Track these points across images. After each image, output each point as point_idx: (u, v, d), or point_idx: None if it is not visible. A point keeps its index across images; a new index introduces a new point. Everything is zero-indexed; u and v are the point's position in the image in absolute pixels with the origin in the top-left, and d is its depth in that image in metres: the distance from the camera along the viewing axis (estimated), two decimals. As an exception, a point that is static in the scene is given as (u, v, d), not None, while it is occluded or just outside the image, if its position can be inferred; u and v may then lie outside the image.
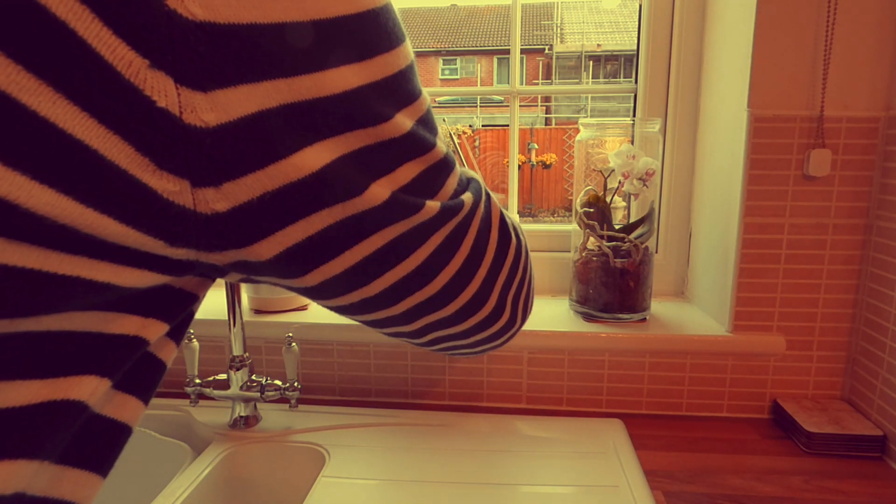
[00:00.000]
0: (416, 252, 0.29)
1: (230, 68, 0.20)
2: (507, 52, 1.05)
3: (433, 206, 0.29)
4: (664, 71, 0.96)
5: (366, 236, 0.26)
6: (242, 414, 0.80)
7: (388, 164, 0.26)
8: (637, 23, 0.98)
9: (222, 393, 0.79)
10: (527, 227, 1.03)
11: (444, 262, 0.31)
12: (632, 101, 1.01)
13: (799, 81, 0.76)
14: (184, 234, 0.21)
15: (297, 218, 0.24)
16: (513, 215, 0.39)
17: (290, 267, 0.26)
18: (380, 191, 0.26)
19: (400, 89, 0.26)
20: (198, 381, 0.80)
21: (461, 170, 0.34)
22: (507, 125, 1.06)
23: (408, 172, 0.27)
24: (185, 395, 0.81)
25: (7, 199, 0.17)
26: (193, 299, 0.26)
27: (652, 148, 0.88)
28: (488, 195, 0.35)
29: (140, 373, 0.24)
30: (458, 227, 0.31)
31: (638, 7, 0.97)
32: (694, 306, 0.96)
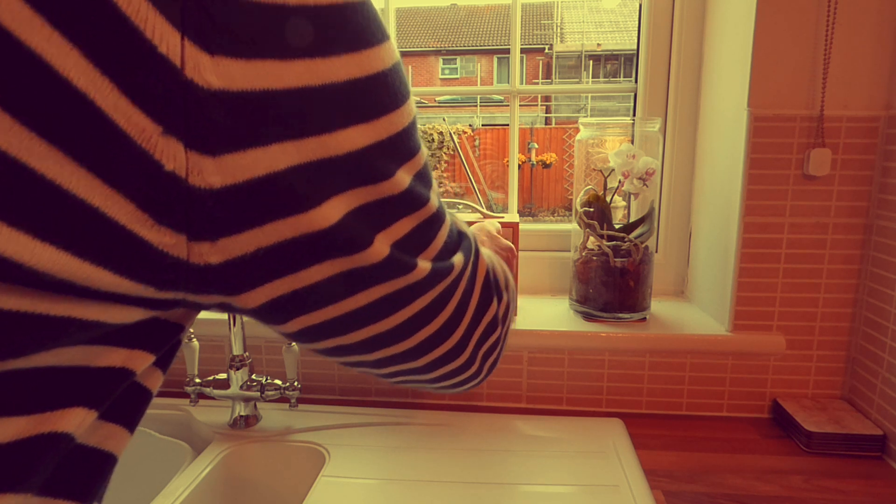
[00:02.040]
0: (399, 312, 0.30)
1: (241, 133, 0.20)
2: (507, 51, 1.05)
3: (424, 267, 0.29)
4: (664, 70, 0.96)
5: (353, 293, 0.27)
6: (242, 413, 0.80)
7: (385, 219, 0.27)
8: (637, 22, 0.98)
9: (222, 392, 0.79)
10: (527, 227, 1.03)
11: (425, 323, 0.31)
12: (632, 100, 1.01)
13: (799, 81, 0.76)
14: (174, 281, 0.22)
15: (287, 273, 0.24)
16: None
17: (272, 315, 0.26)
18: (379, 247, 0.26)
19: (403, 146, 0.27)
20: (198, 380, 0.80)
21: (452, 218, 0.34)
22: (507, 125, 1.06)
23: (403, 228, 0.28)
24: (185, 395, 0.81)
25: (11, 259, 0.17)
26: (179, 329, 0.26)
27: (652, 147, 0.88)
28: (477, 253, 0.36)
29: (126, 402, 0.24)
30: (445, 292, 0.32)
31: (638, 7, 0.97)
32: (694, 306, 0.96)
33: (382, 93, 0.25)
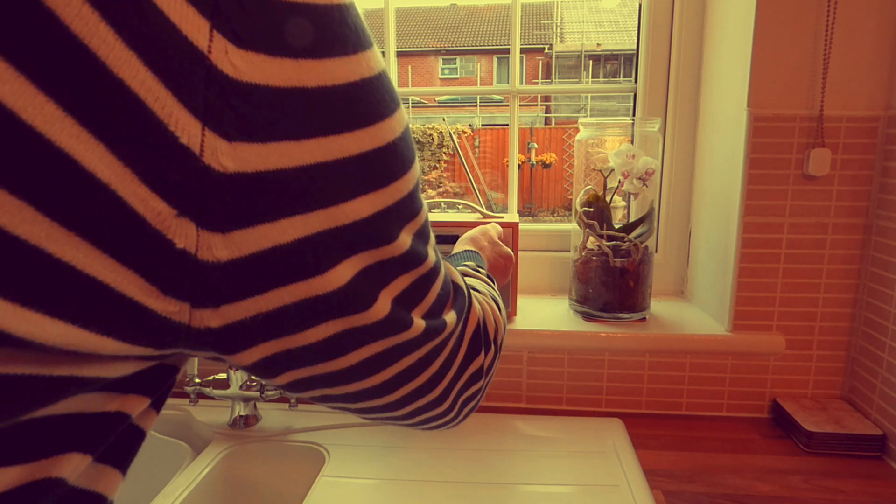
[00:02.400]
0: (388, 368, 0.30)
1: (251, 212, 0.21)
2: (507, 51, 1.05)
3: (419, 325, 0.30)
4: (664, 70, 0.96)
5: (349, 351, 0.27)
6: (242, 413, 0.80)
7: (387, 277, 0.27)
8: (637, 22, 0.98)
9: (222, 392, 0.79)
10: (526, 227, 1.03)
11: (411, 379, 0.32)
12: (632, 100, 1.01)
13: (799, 81, 0.76)
14: (173, 341, 0.22)
15: (284, 334, 0.25)
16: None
17: (265, 370, 0.26)
18: (382, 304, 0.27)
19: (407, 210, 0.27)
20: (197, 380, 0.80)
21: (448, 270, 0.35)
22: (507, 125, 1.06)
23: (402, 283, 0.28)
24: (185, 395, 0.81)
25: (22, 337, 0.18)
26: (174, 371, 0.26)
27: (652, 147, 0.88)
28: (470, 307, 0.37)
29: (120, 444, 0.25)
30: (434, 350, 0.32)
31: (638, 7, 0.97)
32: (694, 306, 0.96)
33: (391, 162, 0.25)
